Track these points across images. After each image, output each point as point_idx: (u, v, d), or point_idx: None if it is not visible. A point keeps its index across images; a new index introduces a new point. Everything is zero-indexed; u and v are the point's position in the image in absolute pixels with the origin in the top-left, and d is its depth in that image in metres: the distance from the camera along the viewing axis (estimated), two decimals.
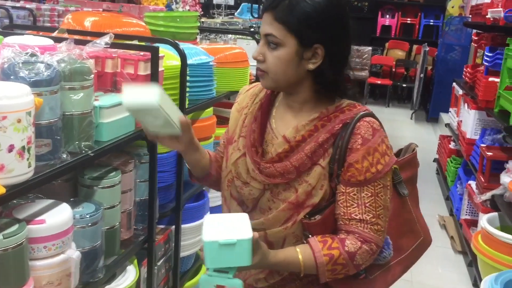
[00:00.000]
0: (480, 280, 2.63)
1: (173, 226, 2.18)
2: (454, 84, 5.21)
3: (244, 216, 1.19)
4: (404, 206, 1.35)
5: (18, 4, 4.08)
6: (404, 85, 9.43)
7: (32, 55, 1.29)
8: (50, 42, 1.57)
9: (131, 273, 1.74)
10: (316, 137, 1.25)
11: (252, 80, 2.87)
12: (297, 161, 1.25)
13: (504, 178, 2.85)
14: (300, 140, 1.26)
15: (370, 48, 9.30)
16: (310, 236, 1.25)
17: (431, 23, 9.76)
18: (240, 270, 1.16)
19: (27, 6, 3.95)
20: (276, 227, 1.28)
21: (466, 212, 3.93)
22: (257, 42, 3.02)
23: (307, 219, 1.25)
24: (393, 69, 9.43)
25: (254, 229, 1.23)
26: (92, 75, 1.40)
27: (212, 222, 1.17)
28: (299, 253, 1.23)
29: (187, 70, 1.99)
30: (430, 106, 8.22)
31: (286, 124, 1.32)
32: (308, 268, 1.23)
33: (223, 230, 1.12)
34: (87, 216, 1.44)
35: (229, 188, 1.37)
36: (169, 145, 1.32)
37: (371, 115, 1.27)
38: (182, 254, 2.25)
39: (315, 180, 1.25)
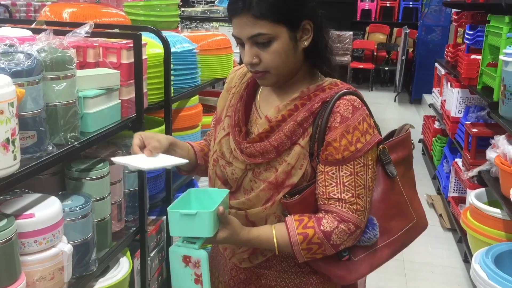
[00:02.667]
0: (471, 255, 2.66)
1: (164, 217, 2.16)
2: (436, 64, 5.24)
3: (223, 192, 1.24)
4: (394, 188, 1.32)
5: None
6: (386, 68, 9.47)
7: (11, 46, 1.25)
8: (28, 33, 1.53)
9: (124, 265, 1.72)
10: (295, 116, 1.24)
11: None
12: (276, 141, 1.24)
13: (490, 153, 2.87)
14: (280, 119, 1.25)
15: (351, 33, 9.31)
16: (289, 215, 1.25)
17: (410, 5, 9.79)
18: (207, 242, 1.18)
19: (2, 2, 3.86)
20: (257, 207, 1.28)
21: (454, 189, 3.98)
22: None
23: (286, 199, 1.25)
24: (375, 53, 9.46)
25: (236, 209, 1.30)
26: (74, 64, 1.36)
27: (188, 195, 1.24)
28: (274, 230, 1.23)
29: (171, 58, 1.97)
30: (413, 88, 8.28)
31: (269, 104, 1.31)
32: (283, 246, 1.23)
33: (191, 201, 1.17)
34: (77, 208, 1.41)
35: (214, 168, 1.37)
36: (148, 154, 1.28)
37: (353, 93, 1.26)
38: None
39: (294, 160, 1.24)
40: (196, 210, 1.13)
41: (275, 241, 1.23)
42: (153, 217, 2.14)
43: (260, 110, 1.33)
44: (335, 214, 1.22)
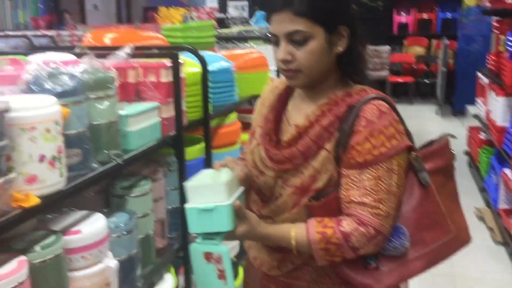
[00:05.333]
0: None
1: None
2: (478, 73, 5.11)
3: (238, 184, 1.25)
4: (428, 197, 1.27)
5: (39, 33, 4.19)
6: (427, 81, 9.30)
7: (56, 68, 1.31)
8: (72, 57, 1.59)
9: (169, 281, 1.73)
10: (321, 121, 1.25)
11: None
12: (303, 146, 1.25)
13: None
14: (308, 125, 1.26)
15: (388, 47, 9.20)
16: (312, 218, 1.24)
17: (449, 16, 9.62)
18: (227, 238, 1.19)
19: (48, 33, 4.04)
20: (285, 214, 1.28)
21: (504, 201, 3.83)
22: None
23: (310, 202, 1.24)
24: (414, 66, 9.31)
25: (265, 217, 1.30)
26: (116, 84, 1.41)
27: (201, 184, 1.20)
28: (292, 228, 1.23)
29: (208, 76, 2.00)
30: (455, 99, 8.07)
31: (299, 113, 1.32)
32: (301, 245, 1.22)
33: (207, 194, 1.16)
34: (122, 224, 1.44)
35: None
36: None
37: (381, 98, 1.25)
38: None
39: (320, 164, 1.24)
40: (214, 205, 1.13)
41: (292, 238, 1.22)
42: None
43: (290, 119, 1.34)
44: (354, 217, 1.20)
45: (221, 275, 1.16)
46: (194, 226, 1.17)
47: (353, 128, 1.22)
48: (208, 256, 1.16)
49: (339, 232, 1.19)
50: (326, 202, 1.23)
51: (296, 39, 1.21)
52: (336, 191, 1.24)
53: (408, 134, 1.27)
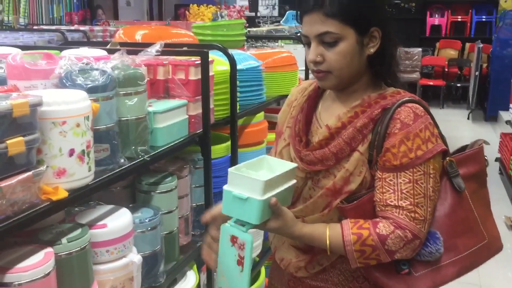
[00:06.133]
0: None
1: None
2: None
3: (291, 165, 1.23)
4: (462, 203, 1.25)
5: (72, 28, 4.26)
6: (459, 85, 9.11)
7: (87, 64, 1.32)
8: (104, 53, 1.61)
9: (191, 278, 1.74)
10: (355, 122, 1.23)
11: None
12: (336, 147, 1.23)
13: None
14: (340, 127, 1.24)
15: (420, 49, 9.06)
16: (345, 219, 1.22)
17: (484, 20, 9.41)
18: (257, 227, 1.19)
19: (81, 28, 4.11)
20: (315, 214, 1.26)
21: None
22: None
23: (343, 204, 1.22)
24: (446, 69, 9.13)
25: (295, 217, 1.26)
26: (145, 81, 1.42)
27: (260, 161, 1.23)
28: (328, 229, 1.21)
29: (237, 75, 2.00)
30: (488, 105, 7.89)
31: (330, 114, 1.31)
32: (335, 245, 1.20)
33: (245, 184, 1.15)
34: (146, 220, 1.45)
35: None
36: None
37: (416, 101, 1.23)
38: None
39: (353, 166, 1.22)
40: (248, 195, 1.14)
41: (328, 238, 1.20)
42: None
43: (321, 120, 1.33)
44: (391, 220, 1.18)
45: (240, 262, 1.17)
46: (226, 208, 1.18)
47: (387, 131, 1.20)
48: (233, 239, 1.17)
49: (375, 234, 1.17)
50: (359, 204, 1.21)
51: (327, 41, 1.20)
52: (369, 194, 1.22)
53: (442, 138, 1.25)
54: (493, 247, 1.29)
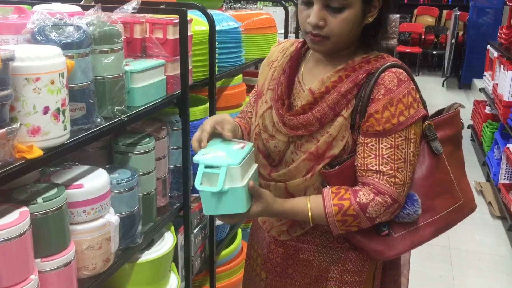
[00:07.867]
0: None
1: None
2: (488, 46, 5.04)
3: (253, 161, 1.22)
4: (439, 166, 1.28)
5: None
6: (435, 52, 9.18)
7: (61, 19, 1.28)
8: (78, 9, 1.56)
9: (169, 239, 1.75)
10: (339, 87, 1.23)
11: None
12: (319, 112, 1.23)
13: None
14: (324, 91, 1.24)
15: (398, 15, 9.05)
16: (327, 187, 1.24)
17: None
18: (242, 218, 1.18)
19: None
20: (297, 179, 1.27)
21: (505, 176, 3.84)
22: (285, 8, 2.95)
23: (326, 169, 1.23)
24: (423, 36, 9.18)
25: (276, 181, 1.29)
26: (122, 38, 1.38)
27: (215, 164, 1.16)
28: (309, 202, 1.23)
29: (216, 36, 1.96)
30: (462, 72, 8.00)
31: (313, 77, 1.30)
32: (317, 217, 1.22)
33: (220, 176, 1.11)
34: (124, 181, 1.43)
35: (256, 141, 1.36)
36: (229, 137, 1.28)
37: (399, 66, 1.23)
38: (218, 222, 2.25)
39: (336, 131, 1.23)
40: (228, 187, 1.11)
41: (309, 212, 1.22)
42: (197, 195, 2.15)
43: (304, 83, 1.31)
44: (371, 186, 1.20)
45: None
46: (208, 208, 1.14)
47: (371, 96, 1.20)
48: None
49: (356, 203, 1.19)
50: (341, 169, 1.22)
51: (333, 6, 1.17)
52: (351, 158, 1.23)
53: (423, 103, 1.26)
54: (467, 207, 1.33)
